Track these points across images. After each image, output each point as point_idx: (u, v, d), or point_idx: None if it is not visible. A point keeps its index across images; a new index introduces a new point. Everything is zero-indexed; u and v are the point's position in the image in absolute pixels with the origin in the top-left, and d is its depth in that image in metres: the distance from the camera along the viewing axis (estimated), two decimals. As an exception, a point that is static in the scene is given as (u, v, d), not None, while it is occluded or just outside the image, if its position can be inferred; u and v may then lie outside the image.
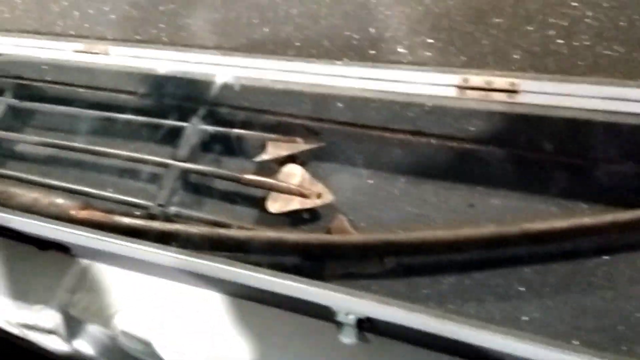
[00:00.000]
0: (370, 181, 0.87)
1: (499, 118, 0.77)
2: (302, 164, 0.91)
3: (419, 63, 0.84)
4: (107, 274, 0.94)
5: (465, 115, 0.78)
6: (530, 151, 0.77)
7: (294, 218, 0.87)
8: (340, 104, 0.85)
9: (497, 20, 0.82)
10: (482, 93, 0.78)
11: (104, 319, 0.92)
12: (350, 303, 0.67)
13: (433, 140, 0.82)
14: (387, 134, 0.85)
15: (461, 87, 0.79)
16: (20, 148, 1.10)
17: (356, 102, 0.85)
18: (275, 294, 0.71)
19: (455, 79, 0.79)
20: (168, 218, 0.91)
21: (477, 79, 0.78)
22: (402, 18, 0.87)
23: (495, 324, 0.73)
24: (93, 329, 0.94)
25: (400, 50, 0.85)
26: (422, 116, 0.81)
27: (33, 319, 0.96)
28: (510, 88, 0.76)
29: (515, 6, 0.82)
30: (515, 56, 0.79)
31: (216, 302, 0.87)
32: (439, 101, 0.79)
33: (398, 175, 0.86)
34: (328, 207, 0.85)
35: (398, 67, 0.83)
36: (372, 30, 0.88)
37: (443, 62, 0.82)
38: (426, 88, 0.80)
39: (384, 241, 0.77)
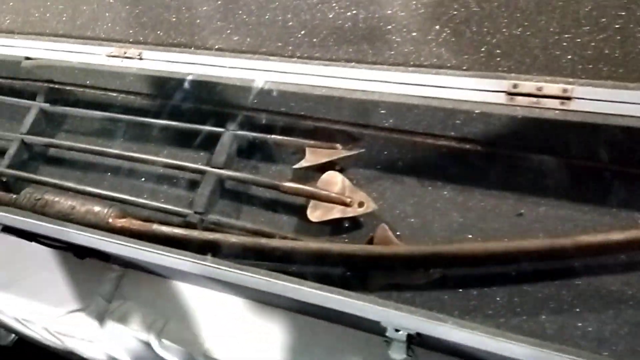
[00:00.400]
0: (414, 189, 0.85)
1: (550, 125, 0.74)
2: (342, 170, 0.89)
3: (465, 68, 0.81)
4: (145, 282, 0.93)
5: (514, 122, 0.76)
6: (583, 160, 0.75)
7: (335, 226, 0.85)
8: (382, 110, 0.83)
9: (546, 22, 0.79)
10: (533, 99, 0.75)
11: (141, 327, 0.92)
12: (401, 319, 0.66)
13: (480, 147, 0.80)
14: (432, 141, 0.82)
15: (510, 93, 0.76)
16: (54, 153, 1.09)
17: (399, 108, 0.82)
18: (322, 307, 0.70)
19: (504, 84, 0.77)
20: (206, 226, 0.90)
21: (527, 85, 0.76)
22: (445, 21, 0.84)
23: (547, 337, 0.72)
24: (130, 336, 0.93)
25: (445, 54, 0.83)
26: (469, 123, 0.78)
27: (70, 326, 0.96)
28: (562, 94, 0.74)
29: (565, 7, 0.79)
30: (566, 61, 0.77)
31: (257, 312, 0.86)
32: (487, 108, 0.77)
33: (443, 183, 0.84)
34: (370, 215, 0.83)
35: (444, 72, 0.81)
36: (414, 34, 0.85)
37: (491, 67, 0.80)
38: (473, 94, 0.78)
39: (432, 253, 0.75)
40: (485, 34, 0.82)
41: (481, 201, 0.81)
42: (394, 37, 0.87)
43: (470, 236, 0.79)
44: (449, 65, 0.83)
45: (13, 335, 1.45)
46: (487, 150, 0.80)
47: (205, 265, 0.77)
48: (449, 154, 0.83)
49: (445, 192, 0.83)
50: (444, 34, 0.84)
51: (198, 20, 1.00)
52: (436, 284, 0.78)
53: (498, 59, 0.80)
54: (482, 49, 0.81)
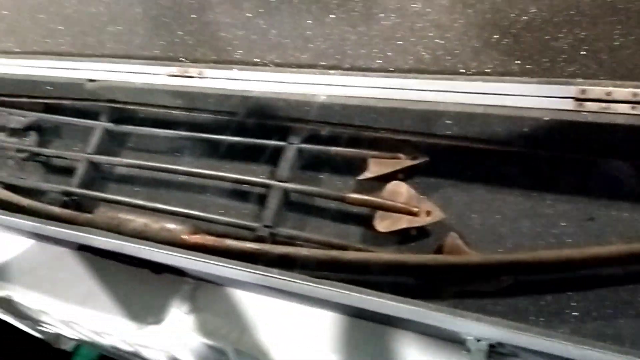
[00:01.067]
0: (481, 196, 0.86)
1: (621, 130, 0.74)
2: (406, 180, 0.91)
3: (530, 74, 0.81)
4: (219, 294, 0.97)
5: (584, 128, 0.76)
6: (657, 163, 0.75)
7: (403, 237, 0.87)
8: (447, 120, 0.84)
9: (610, 25, 0.79)
10: (602, 105, 0.75)
11: (217, 337, 0.95)
12: (483, 330, 0.68)
13: (548, 153, 0.80)
14: (498, 147, 0.83)
15: (578, 99, 0.76)
16: (121, 171, 1.13)
17: (463, 117, 0.83)
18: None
19: (572, 90, 0.77)
20: (276, 239, 0.92)
21: (595, 90, 0.76)
22: (506, 27, 0.84)
23: (624, 341, 0.73)
24: (206, 347, 0.97)
25: (507, 61, 0.83)
26: (537, 130, 0.79)
27: (148, 338, 1.00)
28: (633, 99, 0.74)
29: (628, 8, 0.78)
30: (634, 65, 0.76)
31: (330, 321, 0.88)
32: (556, 114, 0.77)
33: (510, 189, 0.84)
34: (438, 224, 0.85)
35: (508, 79, 0.81)
36: (474, 42, 0.86)
37: (556, 73, 0.80)
38: (540, 101, 0.78)
39: (505, 261, 0.76)
40: (548, 39, 0.82)
41: (551, 207, 0.81)
42: (453, 45, 0.88)
43: (541, 242, 0.80)
44: (512, 72, 0.83)
45: (74, 341, 1.53)
46: (556, 156, 0.80)
47: (280, 279, 0.80)
48: (516, 160, 0.84)
49: (514, 199, 0.84)
50: (506, 40, 0.85)
51: (254, 37, 1.02)
52: (509, 291, 0.79)
53: (563, 64, 0.81)
54: (546, 55, 0.82)
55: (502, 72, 0.83)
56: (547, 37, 0.82)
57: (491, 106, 0.81)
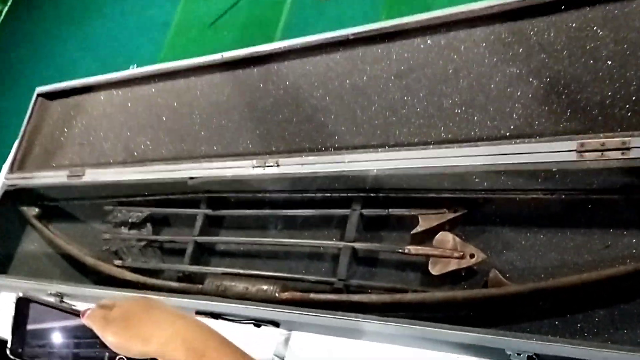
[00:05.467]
0: (515, 237, 1.04)
1: (617, 172, 0.91)
2: (451, 230, 1.10)
3: (538, 135, 1.00)
4: (310, 340, 1.17)
5: (587, 173, 0.93)
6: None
7: (454, 277, 1.05)
8: (476, 179, 1.04)
9: (599, 87, 0.97)
10: (598, 153, 0.93)
11: (310, 378, 1.15)
12: (521, 344, 0.84)
13: (563, 196, 0.98)
14: (522, 196, 1.02)
15: (579, 151, 0.94)
16: (221, 247, 1.39)
17: (489, 175, 1.02)
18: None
19: (573, 144, 0.95)
20: (349, 289, 1.13)
21: (592, 142, 0.94)
22: (517, 99, 1.04)
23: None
24: (302, 387, 1.17)
25: (520, 125, 1.03)
26: (550, 179, 0.97)
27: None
28: (622, 146, 0.91)
29: (612, 73, 0.97)
30: (621, 117, 0.94)
31: (400, 355, 1.06)
32: (563, 165, 0.95)
33: (538, 229, 1.02)
34: (482, 263, 1.03)
35: (521, 141, 1.00)
36: (493, 115, 1.06)
37: (559, 131, 0.99)
38: (550, 156, 0.96)
39: (538, 288, 0.93)
40: (550, 104, 1.01)
41: (572, 240, 0.98)
42: (475, 118, 1.09)
43: (567, 270, 0.96)
44: (525, 134, 1.02)
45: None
46: (569, 198, 0.97)
47: (356, 320, 0.99)
48: (537, 205, 1.01)
49: (541, 236, 1.01)
50: (517, 109, 1.05)
51: (316, 129, 1.27)
52: (546, 313, 0.95)
53: (565, 123, 0.99)
54: (551, 117, 1.01)
55: (517, 135, 1.02)
56: (549, 103, 1.02)
57: (511, 164, 1.00)
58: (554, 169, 0.96)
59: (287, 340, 1.20)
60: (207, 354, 0.72)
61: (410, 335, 0.95)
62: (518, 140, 1.01)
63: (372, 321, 0.97)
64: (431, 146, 1.11)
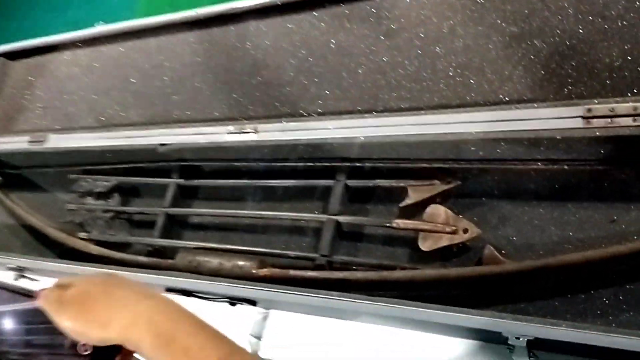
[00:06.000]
0: (511, 210, 0.96)
1: (627, 140, 0.83)
2: (442, 202, 1.02)
3: (542, 99, 0.92)
4: (289, 319, 1.09)
5: (594, 142, 0.86)
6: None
7: (445, 253, 0.98)
8: (472, 147, 0.95)
9: (608, 48, 0.89)
10: (607, 120, 0.85)
11: None
12: (520, 328, 0.77)
13: (566, 167, 0.90)
14: (521, 167, 0.93)
15: (586, 117, 0.86)
16: (194, 220, 1.30)
17: (487, 143, 0.94)
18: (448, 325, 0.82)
19: (580, 110, 0.87)
20: (333, 265, 1.05)
21: (600, 108, 0.86)
22: (517, 60, 0.96)
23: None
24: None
25: (521, 89, 0.94)
26: (553, 147, 0.89)
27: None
28: (634, 112, 0.83)
29: (622, 33, 0.88)
30: (632, 81, 0.86)
31: (386, 335, 0.99)
32: (567, 133, 0.87)
33: (537, 202, 0.94)
34: (476, 239, 0.95)
35: (524, 106, 0.92)
36: (491, 78, 0.97)
37: (564, 95, 0.90)
38: (553, 122, 0.88)
39: (538, 266, 0.86)
40: (554, 67, 0.93)
41: (575, 214, 0.91)
42: (471, 81, 1.00)
43: (569, 247, 0.89)
44: (526, 99, 0.94)
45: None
46: (573, 169, 0.90)
47: (339, 299, 0.92)
48: (538, 176, 0.93)
49: (541, 210, 0.94)
50: (517, 72, 0.96)
51: (298, 93, 1.17)
52: (546, 293, 0.88)
53: (570, 87, 0.91)
54: (554, 81, 0.92)
55: (518, 100, 0.94)
56: (553, 65, 0.93)
57: (510, 131, 0.92)
58: (557, 137, 0.87)
59: (264, 319, 1.12)
60: (178, 338, 0.62)
61: (399, 316, 0.88)
62: (519, 106, 0.93)
63: (357, 300, 0.89)
64: (423, 112, 1.03)
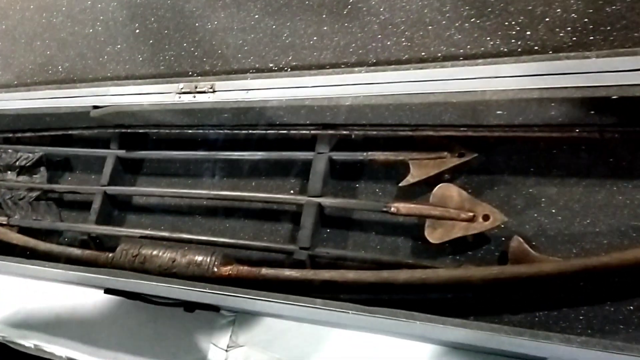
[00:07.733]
0: (542, 190, 0.77)
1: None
2: (454, 181, 0.81)
3: (590, 47, 0.70)
4: (257, 325, 0.89)
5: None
6: None
7: (458, 245, 0.78)
8: (495, 109, 0.74)
9: None
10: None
11: (263, 373, 0.87)
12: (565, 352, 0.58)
13: (617, 135, 0.70)
14: (559, 134, 0.73)
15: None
16: (139, 201, 1.07)
17: (515, 103, 0.73)
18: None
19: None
20: (316, 262, 0.84)
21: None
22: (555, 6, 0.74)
23: None
24: (252, 383, 0.89)
25: (562, 34, 0.72)
26: (604, 110, 0.68)
27: (188, 380, 0.93)
28: None
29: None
30: None
31: (386, 347, 0.79)
32: (626, 90, 0.66)
33: (579, 180, 0.75)
34: (499, 228, 0.75)
35: (565, 56, 0.70)
36: (520, 19, 0.75)
37: (621, 43, 0.69)
38: (607, 76, 0.67)
39: (590, 266, 0.66)
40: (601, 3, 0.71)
41: (629, 196, 0.72)
42: (494, 24, 0.77)
43: (622, 239, 0.70)
44: (566, 47, 0.72)
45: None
46: (629, 137, 0.70)
47: (326, 309, 0.71)
48: (581, 146, 0.74)
49: (583, 190, 0.75)
50: (569, 13, 0.74)
51: (266, 40, 0.93)
52: (595, 299, 0.69)
53: (625, 31, 0.69)
54: (608, 28, 0.71)
55: (555, 48, 0.73)
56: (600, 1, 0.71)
57: (547, 89, 0.70)
58: (612, 97, 0.67)
59: (230, 325, 0.92)
60: None
61: (407, 333, 0.68)
62: (559, 55, 0.71)
63: (351, 312, 0.69)
64: (427, 64, 0.81)
